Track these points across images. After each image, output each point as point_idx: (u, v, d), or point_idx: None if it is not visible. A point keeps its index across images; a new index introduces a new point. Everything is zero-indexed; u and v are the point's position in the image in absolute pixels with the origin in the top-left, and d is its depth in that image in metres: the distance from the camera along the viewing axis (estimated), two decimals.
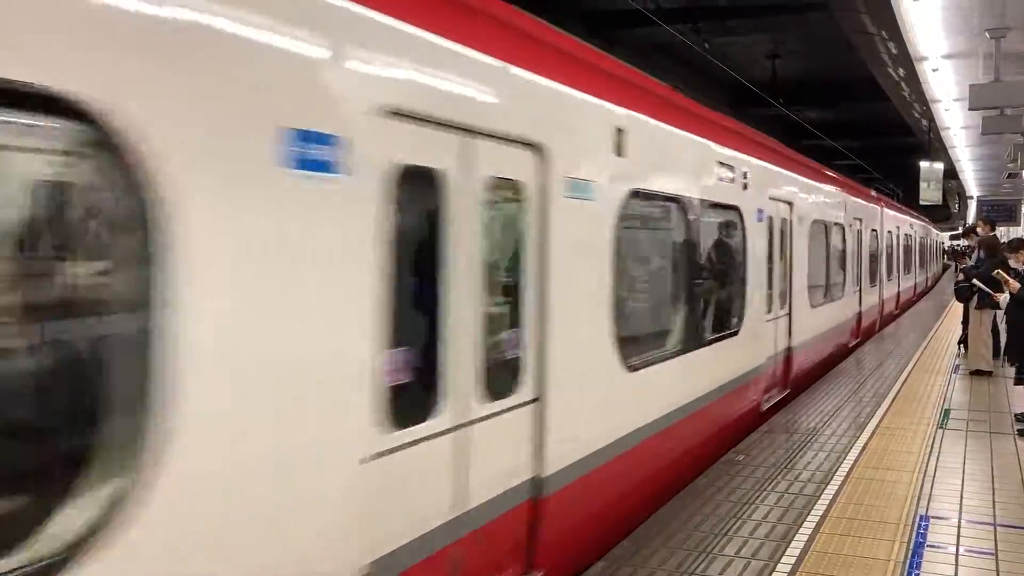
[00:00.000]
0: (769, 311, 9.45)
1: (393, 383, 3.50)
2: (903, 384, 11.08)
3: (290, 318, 2.96)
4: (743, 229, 8.50)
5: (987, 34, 11.90)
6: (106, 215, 2.60)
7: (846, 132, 29.41)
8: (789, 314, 10.34)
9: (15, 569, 2.22)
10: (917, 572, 4.89)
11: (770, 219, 9.46)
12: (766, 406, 9.34)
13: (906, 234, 23.93)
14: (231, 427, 2.76)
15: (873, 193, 18.86)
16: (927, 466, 7.08)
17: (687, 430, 6.85)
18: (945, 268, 45.15)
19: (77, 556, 2.31)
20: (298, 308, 2.99)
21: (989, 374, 11.70)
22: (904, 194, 38.49)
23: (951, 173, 32.31)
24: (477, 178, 4.02)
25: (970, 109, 13.55)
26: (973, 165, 30.99)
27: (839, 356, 13.48)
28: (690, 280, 7.10)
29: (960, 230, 45.84)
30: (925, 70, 14.62)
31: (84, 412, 2.52)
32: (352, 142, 3.20)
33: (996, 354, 11.50)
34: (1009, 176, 23.02)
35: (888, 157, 36.12)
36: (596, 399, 5.31)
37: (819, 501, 6.11)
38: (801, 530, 5.51)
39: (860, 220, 15.55)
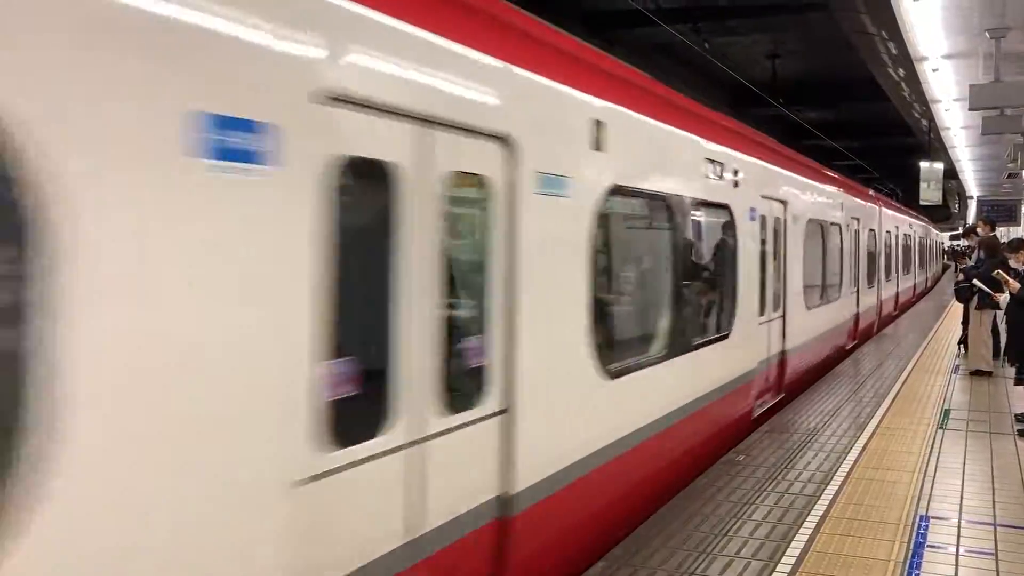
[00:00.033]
0: (762, 313, 9.20)
1: (335, 397, 3.20)
2: (903, 384, 11.08)
3: (202, 326, 2.65)
4: (734, 228, 8.22)
5: (987, 34, 11.90)
6: None
7: (846, 132, 29.41)
8: (783, 316, 10.10)
9: None
10: (917, 572, 4.89)
11: (763, 218, 9.24)
12: (759, 412, 9.10)
13: (905, 234, 23.79)
14: (129, 450, 2.44)
15: (871, 192, 18.67)
16: (927, 466, 7.08)
17: (673, 439, 6.57)
18: (945, 268, 45.15)
19: None
20: (212, 315, 2.68)
21: (989, 374, 11.70)
22: (904, 194, 38.48)
23: (951, 173, 32.31)
24: (435, 172, 3.75)
25: (970, 109, 13.55)
26: (973, 165, 30.98)
27: (836, 359, 13.28)
28: (676, 282, 6.78)
29: (960, 230, 45.85)
30: (925, 70, 14.62)
31: None
32: (284, 130, 2.90)
33: (996, 354, 11.50)
34: (1009, 176, 23.01)
35: (888, 157, 36.12)
36: (572, 409, 5.02)
37: (819, 501, 6.11)
38: (801, 530, 5.51)
39: (857, 220, 15.38)
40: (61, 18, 2.28)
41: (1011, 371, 9.40)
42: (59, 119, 2.26)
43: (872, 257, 17.30)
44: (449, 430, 3.85)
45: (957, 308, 15.52)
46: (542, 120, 4.67)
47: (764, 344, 9.31)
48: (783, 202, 10.09)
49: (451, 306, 3.95)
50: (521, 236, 4.36)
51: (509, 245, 4.31)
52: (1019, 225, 32.55)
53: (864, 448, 7.66)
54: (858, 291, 15.56)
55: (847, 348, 14.45)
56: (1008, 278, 9.41)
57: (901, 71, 15.75)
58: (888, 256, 19.86)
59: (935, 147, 25.93)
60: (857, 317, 15.56)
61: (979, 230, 14.00)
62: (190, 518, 2.62)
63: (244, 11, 2.80)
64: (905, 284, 23.93)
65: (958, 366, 12.62)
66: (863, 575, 4.84)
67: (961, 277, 13.08)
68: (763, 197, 9.19)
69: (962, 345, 13.54)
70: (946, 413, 9.27)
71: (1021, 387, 8.88)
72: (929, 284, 33.53)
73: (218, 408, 2.71)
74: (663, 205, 6.57)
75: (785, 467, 7.04)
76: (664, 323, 6.60)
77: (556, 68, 4.90)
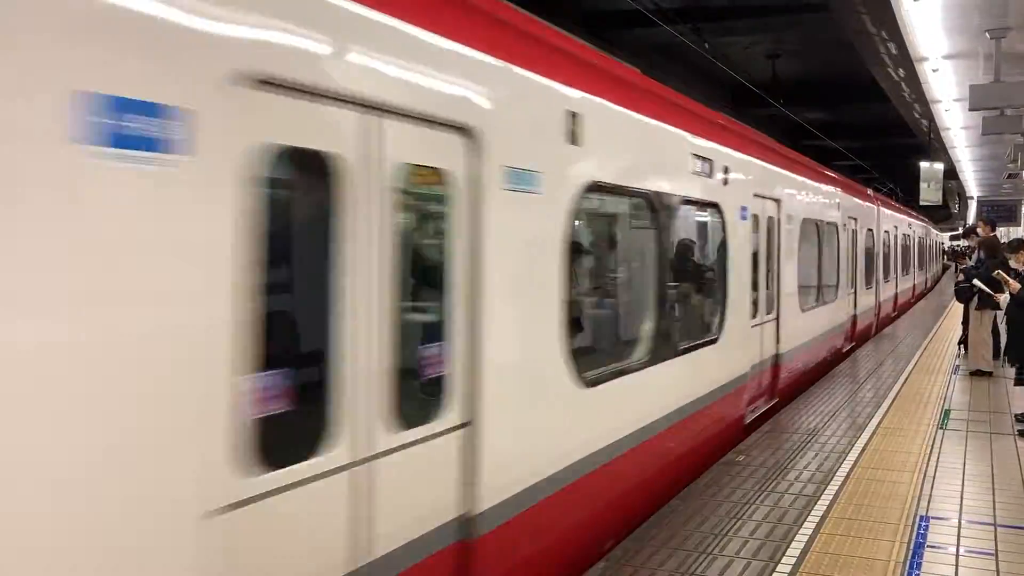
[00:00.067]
0: (754, 316, 8.93)
1: (262, 414, 2.89)
2: (903, 384, 11.08)
3: (90, 335, 2.34)
4: (724, 228, 7.89)
5: (987, 34, 11.89)
6: None
7: (846, 132, 29.41)
8: (777, 319, 9.82)
9: None
10: (917, 572, 4.88)
11: (755, 218, 8.94)
12: (751, 418, 8.83)
13: (904, 234, 23.66)
14: (13, 481, 2.17)
15: (869, 192, 18.47)
16: (927, 466, 7.07)
17: (656, 449, 6.25)
18: (945, 269, 45.15)
19: None
20: (103, 323, 2.37)
21: (989, 374, 11.71)
22: (904, 194, 38.49)
23: (951, 173, 32.29)
24: (385, 164, 3.44)
25: (970, 109, 13.54)
26: (973, 165, 30.97)
27: (832, 362, 13.08)
28: (661, 284, 6.43)
29: (960, 230, 45.87)
30: (925, 70, 14.61)
31: None
32: (197, 115, 2.59)
33: (996, 354, 11.50)
34: (1009, 176, 22.99)
35: (888, 158, 36.11)
36: (544, 420, 4.72)
37: (819, 501, 6.10)
38: (801, 530, 5.51)
39: (855, 219, 15.20)
40: None
41: (1011, 371, 9.40)
42: None
43: (870, 257, 17.15)
44: (402, 446, 3.56)
45: (957, 308, 15.52)
46: (510, 111, 4.35)
47: (756, 348, 9.03)
48: (777, 201, 9.85)
49: (405, 311, 3.65)
50: (487, 235, 4.06)
51: (473, 244, 4.00)
52: (1019, 225, 32.58)
53: (864, 448, 7.66)
54: (855, 292, 15.35)
55: (844, 351, 14.25)
56: (1008, 278, 9.41)
57: (901, 71, 15.73)
58: (886, 256, 19.68)
59: (935, 147, 25.91)
60: (854, 319, 15.34)
61: (979, 230, 13.98)
62: (77, 557, 2.30)
63: None
64: (904, 285, 23.76)
65: (958, 366, 12.62)
66: (863, 575, 4.83)
67: (961, 277, 13.08)
68: (755, 196, 8.91)
69: (962, 345, 13.54)
70: (946, 413, 9.27)
71: (1021, 387, 8.87)
72: (929, 285, 33.44)
73: (112, 429, 2.40)
74: (646, 203, 6.28)
75: (785, 467, 7.03)
76: (647, 327, 6.29)
77: (526, 55, 4.57)
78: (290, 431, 3.10)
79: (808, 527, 5.58)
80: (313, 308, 3.29)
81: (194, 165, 2.60)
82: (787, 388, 10.23)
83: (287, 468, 3.00)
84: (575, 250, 5.18)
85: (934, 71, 14.52)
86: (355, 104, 3.29)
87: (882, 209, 19.11)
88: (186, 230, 2.59)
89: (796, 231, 10.73)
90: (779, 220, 9.93)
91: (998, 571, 4.94)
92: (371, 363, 3.39)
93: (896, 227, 21.67)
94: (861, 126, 29.58)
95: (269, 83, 2.88)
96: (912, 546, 5.26)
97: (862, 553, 5.13)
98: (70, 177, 2.29)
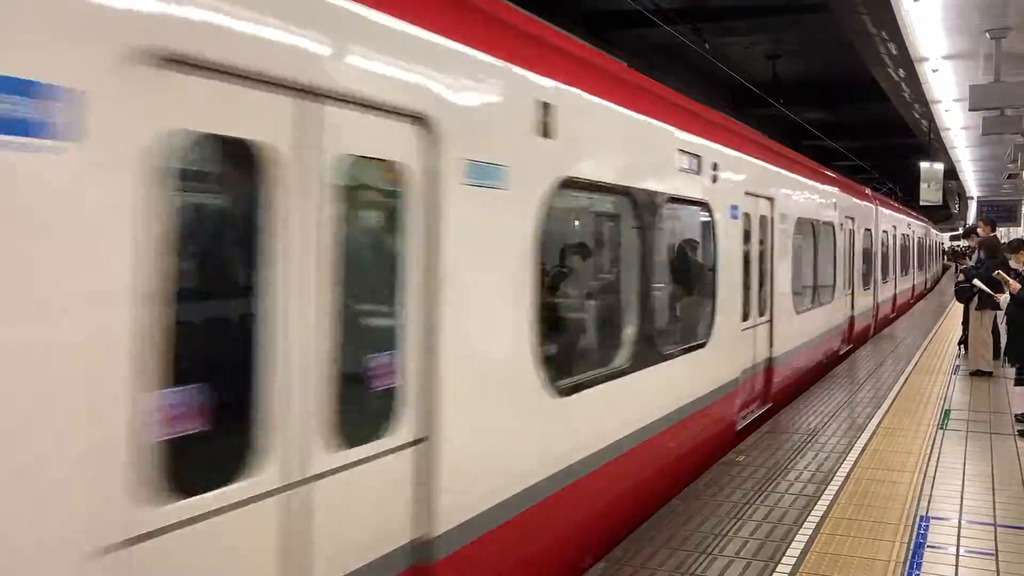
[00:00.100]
0: (746, 318, 8.58)
1: (171, 435, 2.60)
2: (903, 385, 11.08)
3: None
4: (713, 227, 7.53)
5: (987, 35, 11.88)
6: None
7: (846, 133, 29.44)
8: (770, 321, 9.50)
9: None
10: (917, 572, 4.88)
11: (747, 216, 8.61)
12: (742, 424, 8.48)
13: (903, 234, 23.50)
14: None
15: (867, 191, 18.21)
16: (927, 467, 7.07)
17: (638, 460, 5.90)
18: (945, 269, 45.16)
19: None
20: None
21: (989, 375, 11.71)
22: (904, 194, 38.50)
23: (951, 174, 32.29)
24: (325, 155, 3.13)
25: (970, 110, 13.54)
26: (973, 166, 30.96)
27: (828, 364, 12.82)
28: (644, 286, 6.08)
29: (960, 231, 45.90)
30: (925, 71, 14.60)
31: None
32: (87, 96, 2.30)
33: (996, 355, 11.50)
34: (1009, 177, 22.97)
35: (888, 158, 36.14)
36: (511, 433, 4.38)
37: (819, 502, 6.10)
38: (801, 531, 5.51)
39: (852, 219, 14.93)
40: None
41: (1011, 371, 9.40)
42: None
43: (868, 258, 16.94)
44: (345, 466, 3.24)
45: (957, 309, 15.52)
46: (472, 99, 4.02)
47: (748, 351, 8.72)
48: (770, 199, 9.51)
49: (349, 318, 3.33)
50: (445, 233, 3.74)
51: (430, 243, 3.68)
52: (1019, 225, 32.57)
53: (864, 448, 7.66)
54: (853, 293, 15.07)
55: (841, 353, 13.99)
56: (1008, 279, 9.41)
57: (901, 71, 15.74)
58: (885, 257, 19.49)
59: (935, 148, 25.92)
60: (852, 320, 15.09)
61: (979, 231, 13.98)
62: None
63: None
64: (903, 286, 23.57)
65: (958, 366, 12.62)
66: (863, 575, 4.83)
67: (961, 278, 13.08)
68: (747, 194, 8.58)
69: (962, 345, 13.54)
70: (946, 413, 9.27)
71: (1021, 387, 8.87)
72: (929, 285, 33.30)
73: None
74: (628, 201, 5.92)
75: (785, 467, 7.03)
76: (629, 332, 5.94)
77: (490, 40, 4.23)
78: (207, 454, 2.79)
79: (808, 527, 5.57)
80: (234, 315, 3.02)
81: (84, 152, 2.30)
82: (781, 393, 9.97)
83: (202, 495, 2.68)
84: (548, 250, 4.91)
85: (934, 71, 14.51)
86: (288, 88, 2.96)
87: (880, 209, 18.93)
88: (73, 225, 2.30)
89: (790, 231, 10.43)
90: (772, 219, 9.62)
91: (998, 571, 4.94)
92: (307, 375, 3.07)
93: (895, 227, 21.51)
94: (861, 126, 29.61)
95: (178, 62, 2.56)
96: (912, 546, 5.26)
97: (862, 553, 5.13)
98: None
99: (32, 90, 2.19)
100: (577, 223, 6.19)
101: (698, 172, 7.09)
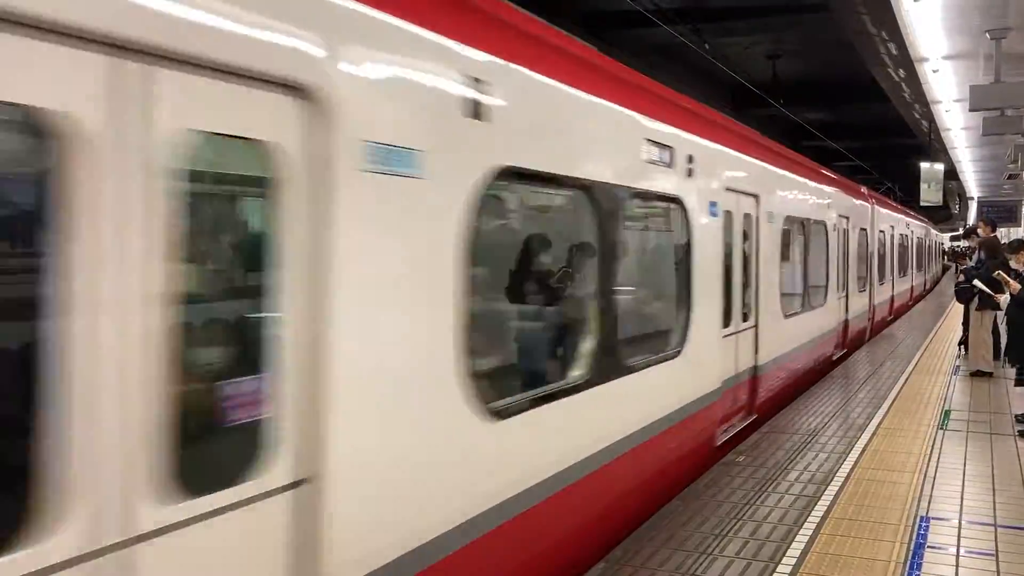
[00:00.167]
0: (727, 325, 7.97)
1: None
2: (903, 385, 11.07)
3: None
4: (687, 226, 6.86)
5: (987, 35, 11.88)
6: None
7: (846, 133, 29.46)
8: (755, 326, 8.94)
9: None
10: (917, 573, 4.88)
11: (728, 215, 7.98)
12: (723, 438, 7.86)
13: (901, 234, 23.21)
14: None
15: (863, 190, 17.78)
16: (927, 467, 7.07)
17: (594, 488, 5.24)
18: (945, 269, 45.18)
19: None
20: None
21: (989, 375, 11.70)
22: (904, 195, 38.53)
23: (951, 174, 32.29)
24: (157, 131, 2.52)
25: (970, 110, 13.54)
26: (973, 166, 30.96)
27: (821, 370, 12.29)
28: (603, 290, 5.45)
29: (961, 231, 45.93)
30: (925, 71, 14.60)
31: None
32: None
33: (996, 355, 11.50)
34: (1009, 177, 22.97)
35: (888, 158, 36.16)
36: (427, 467, 3.70)
37: (819, 502, 6.10)
38: (802, 531, 5.51)
39: (847, 219, 14.47)
40: None
41: (1011, 372, 9.40)
42: None
43: (863, 259, 16.50)
44: (185, 522, 2.61)
45: (957, 309, 15.52)
46: (376, 71, 3.40)
47: (730, 360, 8.12)
48: (754, 196, 8.88)
49: (195, 336, 2.79)
50: (337, 228, 3.14)
51: (315, 241, 3.07)
52: (1020, 226, 32.56)
53: (864, 449, 7.65)
54: (847, 296, 14.57)
55: (834, 359, 13.50)
56: (1008, 279, 9.41)
57: (901, 72, 15.74)
58: (882, 258, 19.11)
59: (935, 148, 25.92)
60: (846, 324, 14.55)
61: (980, 231, 13.98)
62: None
63: None
64: (901, 287, 23.19)
65: (958, 367, 12.62)
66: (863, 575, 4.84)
67: (962, 278, 13.08)
68: (728, 190, 7.96)
69: (962, 346, 13.54)
70: (946, 414, 9.26)
71: (1021, 388, 8.87)
72: (928, 286, 33.12)
73: None
74: (583, 196, 5.30)
75: (785, 468, 7.03)
76: (584, 342, 5.31)
77: (401, 2, 3.63)
78: None
79: (808, 528, 5.57)
80: (16, 336, 2.42)
81: None
82: (768, 403, 9.41)
83: None
84: (485, 249, 4.33)
85: (934, 72, 14.51)
86: (100, 44, 2.37)
87: (877, 208, 18.58)
88: None
89: (778, 230, 9.86)
90: (757, 218, 9.02)
91: (998, 571, 4.93)
92: (126, 410, 2.44)
93: (893, 227, 21.19)
94: (861, 127, 29.62)
95: None
96: (912, 547, 5.26)
97: (862, 554, 5.13)
98: None
99: None
100: (521, 219, 5.58)
101: (670, 165, 6.45)
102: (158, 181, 2.54)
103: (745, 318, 8.69)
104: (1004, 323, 10.19)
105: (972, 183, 37.31)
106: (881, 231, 19.03)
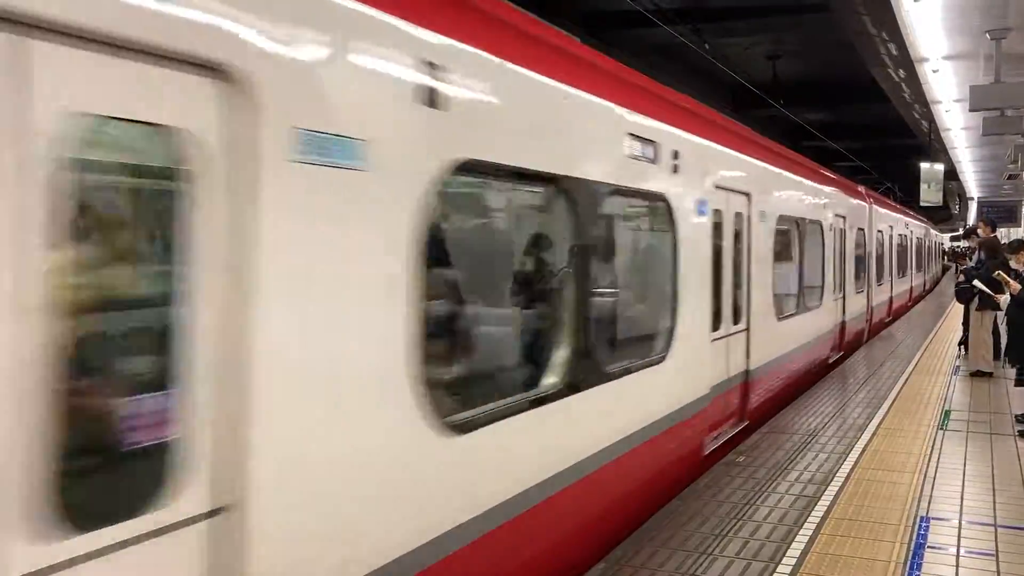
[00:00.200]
0: (716, 328, 7.65)
1: None
2: (903, 385, 11.07)
3: None
4: (673, 225, 6.50)
5: (987, 35, 11.88)
6: None
7: (846, 133, 29.49)
8: (747, 329, 8.65)
9: None
10: (917, 573, 4.88)
11: (717, 213, 7.68)
12: (712, 447, 7.55)
13: (900, 234, 23.03)
14: None
15: (861, 189, 17.50)
16: (927, 467, 7.07)
17: (567, 506, 4.89)
18: (945, 269, 45.20)
19: None
20: None
21: (990, 375, 11.71)
22: (904, 195, 38.55)
23: (951, 174, 32.30)
24: (38, 112, 2.24)
25: (970, 110, 13.54)
26: (973, 166, 30.97)
27: (816, 373, 12.03)
28: (580, 294, 5.11)
29: (961, 231, 45.97)
30: (925, 71, 14.60)
31: None
32: None
33: (997, 355, 11.50)
34: (1009, 177, 22.98)
35: (888, 158, 36.18)
36: (371, 488, 3.34)
37: (819, 502, 6.10)
38: (802, 531, 5.51)
39: (843, 218, 14.17)
40: None
41: (1011, 372, 9.40)
42: None
43: (861, 259, 16.24)
44: (72, 561, 2.29)
45: (957, 309, 15.52)
46: (311, 52, 3.06)
47: (720, 364, 7.81)
48: (746, 194, 8.57)
49: (87, 346, 2.48)
50: (263, 224, 2.82)
51: (236, 240, 2.75)
52: (1020, 226, 32.58)
53: (864, 449, 7.65)
54: (844, 297, 14.30)
55: (830, 361, 13.26)
56: (1008, 279, 9.41)
57: (901, 72, 15.74)
58: (880, 258, 18.89)
59: (935, 148, 25.92)
60: (843, 326, 14.26)
61: (980, 231, 13.99)
62: None
63: None
64: (900, 288, 22.98)
65: (958, 367, 12.62)
66: None
67: (962, 278, 13.08)
68: (718, 188, 7.62)
69: (962, 346, 13.54)
70: (946, 414, 9.26)
71: (1021, 388, 8.87)
72: (927, 287, 32.98)
73: None
74: (557, 192, 4.98)
75: (785, 468, 7.03)
76: (560, 349, 4.97)
77: None
78: None
79: (808, 528, 5.57)
80: None
81: None
82: (760, 409, 9.13)
83: None
84: (445, 249, 4.08)
85: (934, 72, 14.51)
86: None
87: (875, 208, 18.34)
88: None
89: (771, 230, 9.52)
90: (749, 217, 8.71)
91: (998, 572, 4.93)
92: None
93: (891, 227, 20.99)
94: (861, 127, 29.64)
95: None
96: (912, 547, 5.26)
97: (862, 554, 5.13)
98: None
99: None
100: (487, 217, 5.26)
101: (654, 161, 6.12)
102: (35, 171, 2.23)
103: (736, 321, 8.42)
104: (1004, 323, 10.19)
105: (972, 183, 37.32)
106: (879, 231, 18.87)
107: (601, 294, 5.50)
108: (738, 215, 8.43)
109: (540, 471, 4.61)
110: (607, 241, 5.83)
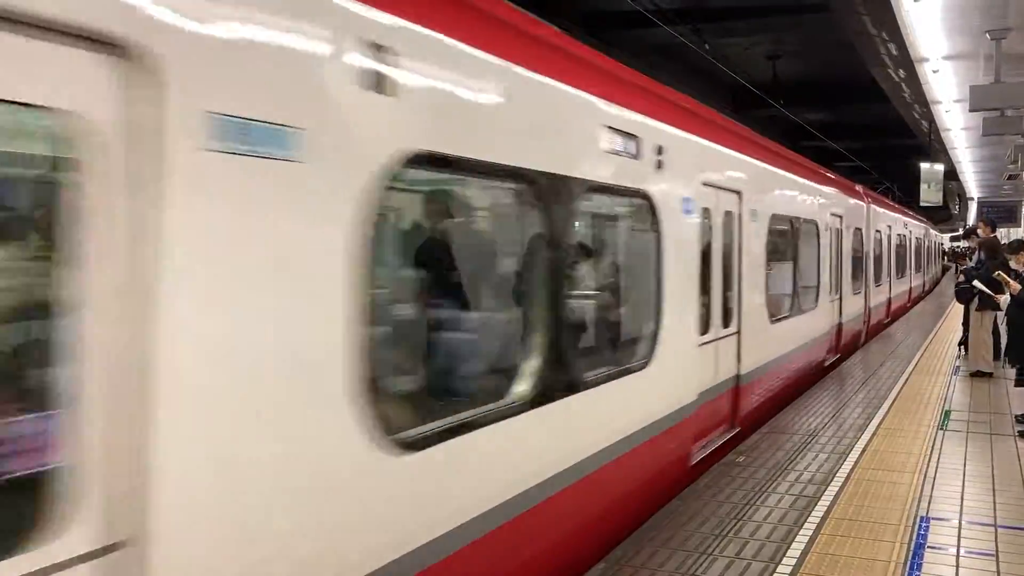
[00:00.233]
0: (704, 332, 7.35)
1: None
2: (903, 385, 11.07)
3: None
4: (656, 224, 6.15)
5: (987, 35, 11.89)
6: None
7: (846, 133, 29.52)
8: (738, 332, 8.35)
9: None
10: (917, 573, 4.88)
11: (705, 212, 7.39)
12: (700, 456, 7.22)
13: (899, 235, 22.85)
14: None
15: (859, 188, 17.24)
16: (927, 467, 7.07)
17: (536, 525, 4.51)
18: (945, 270, 45.23)
19: None
20: None
21: (990, 375, 11.71)
22: (904, 195, 38.56)
23: (951, 174, 32.31)
24: None
25: (970, 110, 13.55)
26: (973, 167, 30.97)
27: (812, 377, 11.74)
28: (552, 298, 4.73)
29: (960, 231, 46.00)
30: (925, 71, 14.60)
31: None
32: None
33: (997, 355, 11.51)
34: (1009, 177, 22.98)
35: (888, 158, 36.22)
36: (304, 516, 3.00)
37: (820, 502, 6.10)
38: (802, 532, 5.50)
39: (840, 218, 13.91)
40: None
41: (1011, 372, 9.40)
42: None
43: (858, 260, 16.00)
44: None
45: (957, 310, 15.52)
46: (230, 29, 2.72)
47: (709, 369, 7.50)
48: (736, 193, 8.27)
49: None
50: (167, 220, 2.50)
51: (136, 237, 2.45)
52: (1020, 226, 32.59)
53: (864, 449, 7.65)
54: (840, 298, 14.05)
55: (827, 364, 12.98)
56: (1008, 279, 9.41)
57: (901, 72, 15.75)
58: (878, 259, 18.69)
59: (935, 148, 25.94)
60: (839, 328, 13.99)
61: (980, 231, 13.98)
62: None
63: None
64: (899, 289, 22.76)
65: (958, 367, 12.62)
66: None
67: (962, 278, 13.08)
68: (705, 185, 7.28)
69: (962, 346, 13.54)
70: (946, 414, 9.26)
71: (1021, 388, 8.87)
72: (927, 288, 32.81)
73: None
74: (525, 187, 4.62)
75: (785, 468, 7.02)
76: (529, 356, 4.59)
77: None
78: None
79: (808, 528, 5.57)
80: None
81: None
82: (752, 415, 8.81)
83: None
84: (382, 248, 3.78)
85: (934, 72, 14.52)
86: None
87: (874, 207, 18.11)
88: None
89: (763, 230, 9.21)
90: (740, 216, 8.40)
91: (998, 572, 4.93)
92: None
93: (890, 227, 20.76)
94: (861, 127, 29.67)
95: None
96: (912, 547, 5.26)
97: (862, 554, 5.13)
98: None
99: None
100: (446, 214, 4.92)
101: (636, 156, 5.77)
102: None
103: (726, 324, 8.11)
104: (1004, 323, 10.19)
105: (972, 183, 37.33)
106: (878, 231, 18.67)
107: (575, 297, 5.20)
108: (728, 214, 8.13)
109: (506, 489, 4.25)
110: (582, 241, 5.57)
